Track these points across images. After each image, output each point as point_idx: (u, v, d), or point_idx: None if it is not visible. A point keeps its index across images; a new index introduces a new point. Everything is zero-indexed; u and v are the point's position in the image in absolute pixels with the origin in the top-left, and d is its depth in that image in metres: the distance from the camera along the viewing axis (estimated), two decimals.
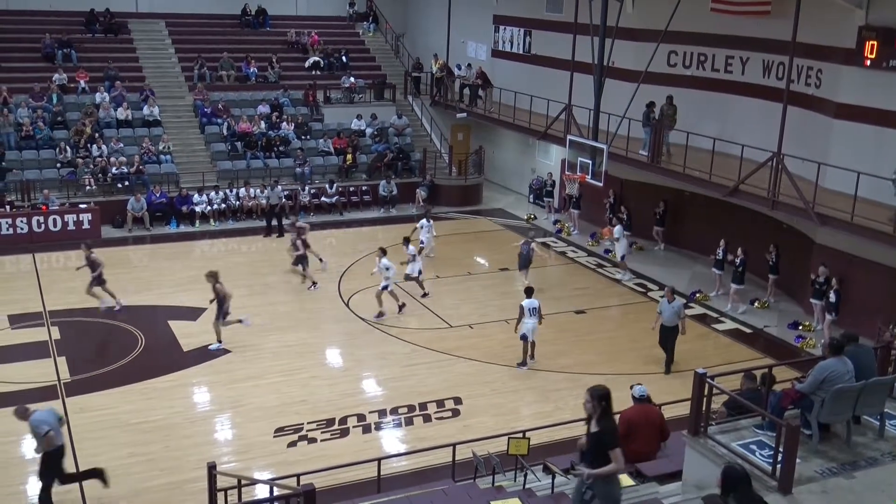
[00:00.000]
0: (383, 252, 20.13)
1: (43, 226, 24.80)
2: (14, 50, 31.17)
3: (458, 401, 15.92)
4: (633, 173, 24.85)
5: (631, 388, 11.97)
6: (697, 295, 21.85)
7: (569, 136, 24.29)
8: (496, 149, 33.16)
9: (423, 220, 24.47)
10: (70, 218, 25.18)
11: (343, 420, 15.12)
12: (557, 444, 13.56)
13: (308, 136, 31.25)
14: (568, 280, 23.36)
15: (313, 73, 34.16)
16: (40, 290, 21.03)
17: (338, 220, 28.52)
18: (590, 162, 22.59)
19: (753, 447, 9.11)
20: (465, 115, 31.90)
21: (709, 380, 9.30)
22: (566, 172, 23.97)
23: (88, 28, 33.09)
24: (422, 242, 23.76)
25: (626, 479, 10.31)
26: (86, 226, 25.31)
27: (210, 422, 15.23)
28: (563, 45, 27.02)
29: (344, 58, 34.82)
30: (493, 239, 27.12)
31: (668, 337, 17.47)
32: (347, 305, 20.71)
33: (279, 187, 27.14)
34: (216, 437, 14.83)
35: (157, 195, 26.77)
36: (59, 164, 27.22)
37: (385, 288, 19.80)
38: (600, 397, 7.89)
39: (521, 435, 11.99)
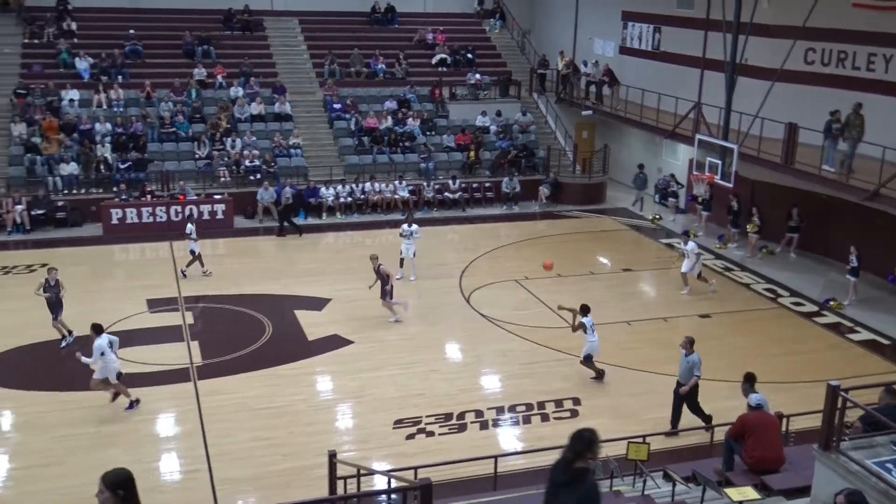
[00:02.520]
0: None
1: (180, 215, 25.91)
2: (157, 47, 32.66)
3: (576, 401, 15.77)
4: (764, 175, 23.99)
5: (747, 395, 11.61)
6: (831, 303, 20.94)
7: (698, 136, 23.71)
8: (622, 147, 32.66)
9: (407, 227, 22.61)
10: (205, 208, 26.23)
11: (461, 415, 15.20)
12: (678, 451, 13.26)
13: (433, 132, 31.56)
14: (693, 283, 22.78)
15: (439, 69, 34.46)
16: (176, 277, 21.98)
17: (460, 216, 28.69)
18: (719, 162, 21.96)
19: (890, 465, 8.65)
20: (590, 112, 31.56)
21: (842, 392, 8.90)
22: (694, 172, 23.40)
23: (226, 26, 34.34)
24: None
25: (750, 492, 9.99)
26: (219, 216, 26.31)
27: (332, 410, 15.59)
28: (693, 42, 26.40)
29: (470, 54, 34.98)
30: (616, 238, 26.72)
31: (677, 394, 14.64)
32: (468, 301, 20.80)
33: (288, 188, 27.21)
34: (337, 426, 15.16)
35: (289, 188, 27.55)
36: (196, 157, 28.40)
37: None
38: (114, 485, 5.79)
39: (640, 440, 11.78)
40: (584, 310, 16.64)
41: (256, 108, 30.50)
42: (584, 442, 6.81)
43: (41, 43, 31.67)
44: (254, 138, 29.20)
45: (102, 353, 14.76)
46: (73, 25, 32.37)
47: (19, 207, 25.06)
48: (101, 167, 27.08)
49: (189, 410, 15.18)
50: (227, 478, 13.11)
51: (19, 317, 19.10)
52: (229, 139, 28.84)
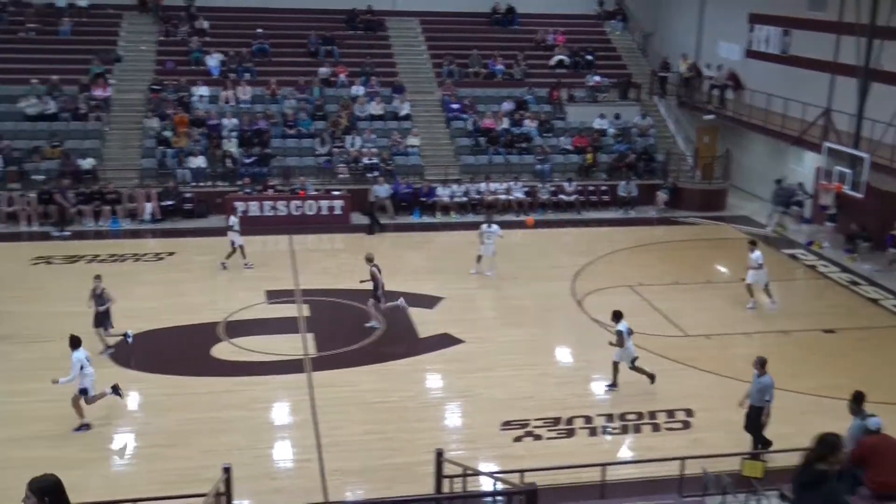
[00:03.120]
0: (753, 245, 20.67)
1: (300, 209, 26.59)
2: (283, 46, 33.61)
3: (689, 413, 15.42)
4: None
5: (854, 414, 11.11)
6: None
7: (826, 143, 22.81)
8: (744, 153, 31.73)
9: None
10: (324, 203, 26.83)
11: (569, 420, 15.09)
12: None
13: (550, 134, 31.40)
14: (817, 296, 21.95)
15: (558, 71, 34.25)
16: (294, 270, 22.57)
17: (575, 218, 28.45)
18: (849, 171, 21.08)
19: None
20: (712, 116, 30.79)
21: None
22: (821, 181, 22.54)
23: (349, 25, 35.04)
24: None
25: None
26: (337, 211, 26.86)
27: (441, 408, 15.72)
28: (824, 46, 25.41)
29: (589, 56, 34.64)
30: (736, 247, 25.93)
31: (750, 419, 13.89)
32: (580, 305, 20.61)
33: (386, 185, 27.38)
34: (445, 424, 15.29)
35: (404, 186, 27.95)
36: (316, 153, 29.10)
37: None
38: (41, 491, 5.67)
39: (756, 456, 11.43)
40: (617, 316, 16.27)
41: (376, 107, 31.01)
42: (828, 445, 6.97)
43: (175, 41, 33.07)
44: (373, 136, 29.70)
45: (82, 367, 14.38)
46: (205, 24, 33.66)
47: (149, 205, 26.19)
48: (227, 161, 28.07)
49: (302, 401, 15.56)
50: (337, 468, 13.39)
51: (149, 302, 20.00)
52: (349, 137, 29.43)
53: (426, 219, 27.72)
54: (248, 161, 28.17)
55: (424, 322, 19.29)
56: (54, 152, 27.39)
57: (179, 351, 17.73)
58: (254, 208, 26.38)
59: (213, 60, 31.87)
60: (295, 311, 19.76)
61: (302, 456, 13.88)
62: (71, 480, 12.85)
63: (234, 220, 22.85)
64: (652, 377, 16.24)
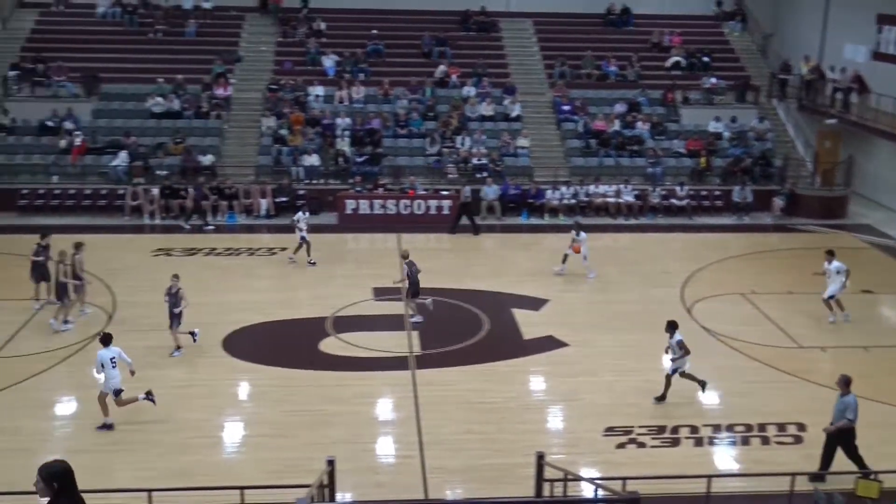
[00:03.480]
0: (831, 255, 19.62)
1: (409, 209, 26.90)
2: (396, 46, 34.06)
3: (801, 427, 14.88)
4: None
5: None
6: None
7: None
8: (869, 159, 30.40)
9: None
10: (432, 203, 27.07)
11: (675, 429, 14.78)
12: None
13: (663, 137, 30.83)
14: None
15: (673, 72, 33.57)
16: (401, 268, 22.77)
17: (686, 223, 27.82)
18: None
19: None
20: (835, 121, 29.61)
21: None
22: None
23: (463, 27, 35.24)
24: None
25: None
26: (445, 211, 27.04)
27: (543, 411, 15.64)
28: None
29: (706, 58, 33.82)
30: (857, 258, 24.85)
31: (841, 441, 13.07)
32: (689, 313, 20.14)
33: (468, 187, 27.01)
34: (547, 427, 15.21)
35: (513, 187, 27.92)
36: (427, 153, 29.38)
37: None
38: (49, 476, 5.90)
39: (872, 476, 10.95)
40: (672, 327, 15.72)
41: (487, 107, 31.08)
42: None
43: (293, 41, 33.94)
44: (483, 137, 29.78)
45: (102, 366, 14.35)
46: (322, 25, 34.43)
47: (264, 202, 26.96)
48: (340, 160, 28.64)
49: (406, 398, 15.74)
50: (438, 466, 13.49)
51: (261, 295, 20.61)
52: (459, 137, 29.60)
53: (534, 220, 27.61)
54: (359, 160, 28.68)
55: (529, 324, 19.22)
56: (177, 148, 28.53)
57: (288, 344, 18.20)
58: (364, 206, 26.82)
59: (328, 61, 32.58)
60: (401, 308, 20.00)
61: (404, 452, 14.04)
62: (182, 465, 13.42)
63: (300, 215, 23.27)
64: (663, 398, 15.70)
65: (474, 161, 28.81)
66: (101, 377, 14.55)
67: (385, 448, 14.32)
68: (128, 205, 26.81)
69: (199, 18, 34.45)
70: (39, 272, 19.29)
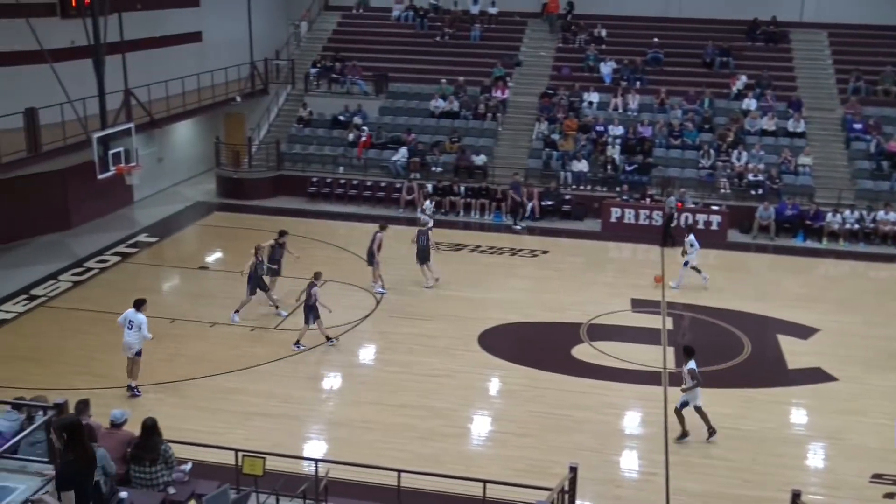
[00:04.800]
0: None
1: (675, 221, 26.23)
2: (677, 55, 33.30)
3: None
4: None
5: None
6: None
7: None
8: None
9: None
10: (700, 218, 26.21)
11: None
12: None
13: None
14: None
15: None
16: (663, 281, 22.31)
17: None
18: None
19: None
20: None
21: None
22: None
23: (749, 36, 33.79)
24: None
25: None
26: (714, 227, 26.09)
27: (802, 446, 14.69)
28: None
29: None
30: None
31: None
32: None
33: (672, 198, 25.54)
34: (805, 464, 14.27)
35: (790, 207, 26.41)
36: (700, 166, 28.49)
37: None
38: (59, 428, 6.80)
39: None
40: (689, 352, 14.55)
41: (768, 122, 29.60)
42: None
43: (572, 47, 34.21)
44: (761, 152, 28.39)
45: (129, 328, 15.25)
46: (603, 32, 34.39)
47: (530, 204, 27.36)
48: (609, 167, 28.49)
49: (656, 414, 15.42)
50: (681, 489, 13.11)
51: (519, 295, 21.02)
52: (735, 151, 28.42)
53: (810, 243, 25.92)
54: (629, 168, 28.36)
55: (795, 353, 18.12)
56: (452, 147, 29.71)
57: (542, 346, 18.40)
58: (629, 215, 26.51)
59: (606, 68, 32.51)
60: (658, 322, 19.58)
61: (648, 469, 13.77)
62: (427, 451, 14.00)
63: (427, 204, 25.11)
64: (683, 435, 14.48)
65: (749, 177, 27.53)
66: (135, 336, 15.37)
67: (629, 462, 14.11)
68: (403, 198, 28.32)
69: (485, 23, 35.65)
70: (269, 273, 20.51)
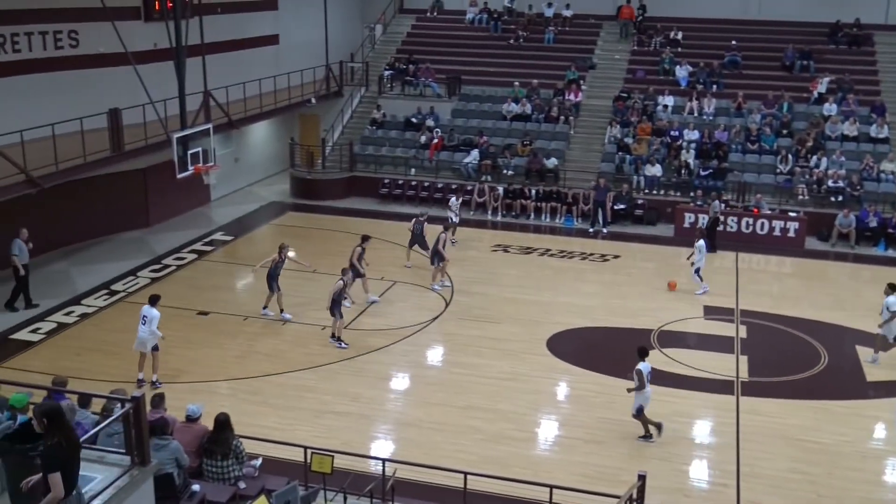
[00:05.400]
0: None
1: (751, 227, 25.70)
2: (755, 59, 32.66)
3: None
4: None
5: None
6: None
7: None
8: None
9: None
10: (777, 224, 25.63)
11: None
12: None
13: None
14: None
15: None
16: (736, 288, 21.92)
17: None
18: None
19: None
20: None
21: None
22: None
23: (831, 39, 32.96)
24: None
25: None
26: (791, 234, 25.49)
27: (881, 461, 14.24)
28: None
29: None
30: None
31: None
32: None
33: (717, 202, 25.33)
34: (886, 480, 13.82)
35: (871, 215, 25.65)
36: (777, 171, 27.87)
37: None
38: (41, 414, 6.96)
39: None
40: (641, 353, 14.43)
41: (850, 127, 28.81)
42: None
43: (647, 50, 33.83)
44: (842, 158, 27.64)
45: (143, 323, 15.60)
46: (679, 35, 33.92)
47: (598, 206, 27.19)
48: (683, 172, 28.07)
49: (727, 424, 15.13)
50: (753, 501, 12.85)
51: (588, 300, 20.87)
52: (815, 156, 27.72)
53: (892, 252, 25.13)
54: (703, 173, 27.90)
55: (874, 364, 17.58)
56: (524, 150, 29.63)
57: (611, 351, 18.21)
58: (703, 221, 26.07)
59: (682, 71, 32.05)
60: (731, 330, 19.22)
61: (719, 480, 13.53)
62: (493, 454, 14.00)
63: (453, 201, 25.40)
64: (657, 427, 14.45)
65: (829, 183, 26.82)
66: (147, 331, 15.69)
67: (699, 472, 13.86)
68: (474, 200, 28.35)
69: (559, 26, 35.49)
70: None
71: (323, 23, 31.22)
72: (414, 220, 23.00)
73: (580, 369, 17.24)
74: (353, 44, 36.25)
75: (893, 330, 17.44)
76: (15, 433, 7.40)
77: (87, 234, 24.24)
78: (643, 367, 14.28)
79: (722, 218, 25.52)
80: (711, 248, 24.17)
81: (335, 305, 17.74)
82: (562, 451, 14.27)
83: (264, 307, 19.35)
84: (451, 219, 24.84)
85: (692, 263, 21.44)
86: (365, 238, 20.71)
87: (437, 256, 21.28)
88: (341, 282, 17.86)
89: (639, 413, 14.37)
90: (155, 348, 15.88)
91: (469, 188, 28.68)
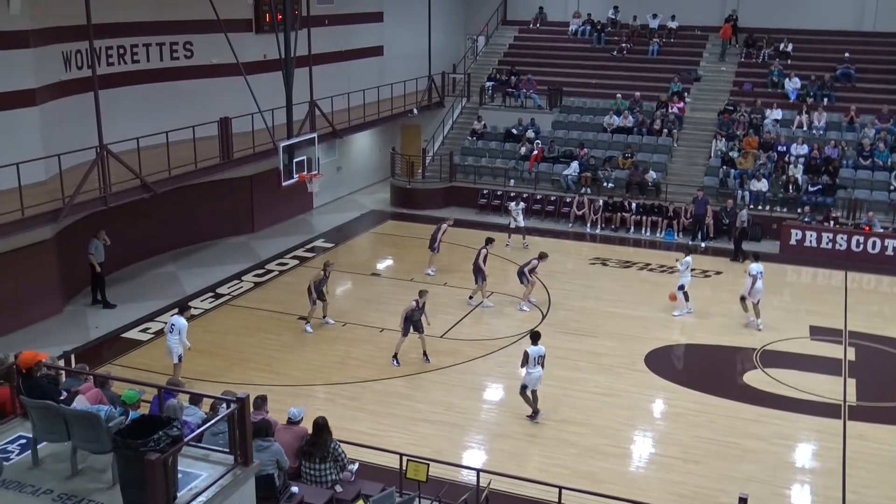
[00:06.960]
0: None
1: (861, 246, 24.76)
2: (870, 71, 31.51)
3: None
4: None
5: None
6: None
7: None
8: None
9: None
10: (890, 243, 24.60)
11: None
12: None
13: None
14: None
15: None
16: (845, 308, 21.16)
17: None
18: None
19: None
20: None
21: None
22: None
23: None
24: None
25: None
26: None
27: None
28: None
29: None
30: None
31: None
32: None
33: (744, 211, 25.08)
34: None
35: None
36: (891, 188, 26.80)
37: None
38: None
39: None
40: (535, 337, 15.26)
41: None
42: None
43: (755, 63, 33.03)
44: None
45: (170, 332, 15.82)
46: (789, 47, 33.02)
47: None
48: (790, 187, 27.27)
49: (832, 448, 14.62)
50: None
51: (689, 316, 20.45)
52: None
53: None
54: (812, 189, 27.03)
55: None
56: (625, 163, 29.30)
57: (711, 369, 17.84)
58: (811, 238, 25.26)
59: (791, 84, 31.16)
60: (839, 352, 18.56)
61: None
62: (591, 469, 13.85)
63: (513, 206, 25.90)
64: (535, 413, 15.28)
65: None
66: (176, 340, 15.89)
67: (801, 497, 13.42)
68: (573, 213, 28.18)
69: (663, 37, 35.01)
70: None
71: (427, 34, 31.58)
72: (442, 224, 23.32)
73: (679, 386, 16.92)
74: (456, 55, 36.55)
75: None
76: (127, 428, 7.71)
77: (195, 239, 25.10)
78: (532, 350, 15.05)
79: (749, 228, 25.39)
80: (735, 257, 24.41)
81: (406, 323, 17.49)
82: (658, 470, 14.02)
83: (324, 317, 19.58)
84: (512, 224, 25.18)
85: (680, 284, 20.56)
86: (489, 240, 20.92)
87: (479, 273, 20.63)
88: (414, 302, 17.64)
89: (522, 391, 15.22)
90: (179, 359, 15.95)
91: (568, 200, 28.52)
